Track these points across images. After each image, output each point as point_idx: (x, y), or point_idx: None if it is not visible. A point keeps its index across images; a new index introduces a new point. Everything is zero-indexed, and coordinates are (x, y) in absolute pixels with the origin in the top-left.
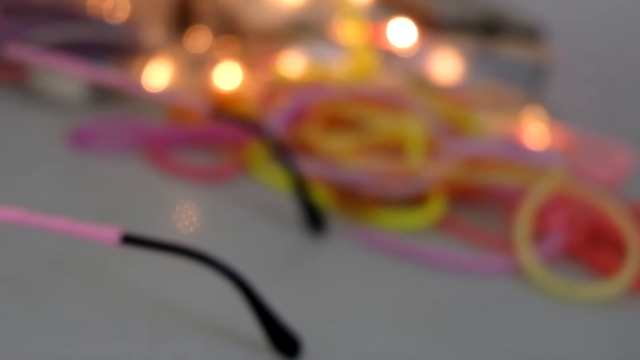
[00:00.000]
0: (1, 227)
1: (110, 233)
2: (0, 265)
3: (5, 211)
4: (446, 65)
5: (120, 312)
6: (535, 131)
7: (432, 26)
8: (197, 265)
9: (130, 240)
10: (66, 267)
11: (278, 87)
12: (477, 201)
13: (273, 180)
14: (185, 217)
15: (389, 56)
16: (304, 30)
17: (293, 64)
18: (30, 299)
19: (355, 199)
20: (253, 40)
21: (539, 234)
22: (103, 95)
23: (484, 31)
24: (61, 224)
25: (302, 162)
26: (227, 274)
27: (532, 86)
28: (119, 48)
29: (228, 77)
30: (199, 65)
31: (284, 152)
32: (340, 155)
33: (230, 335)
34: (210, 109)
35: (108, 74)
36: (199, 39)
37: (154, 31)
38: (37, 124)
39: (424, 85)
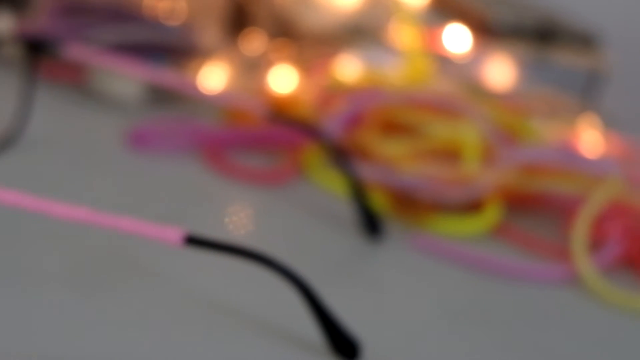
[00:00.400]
0: (63, 225)
1: (174, 234)
2: (63, 263)
3: (72, 210)
4: (501, 72)
5: (179, 312)
6: (590, 139)
7: (487, 32)
8: (257, 267)
9: (193, 241)
10: (125, 266)
11: (334, 91)
12: (533, 208)
13: (330, 184)
14: (241, 219)
15: (443, 62)
16: (359, 34)
17: (348, 68)
18: (91, 296)
19: (412, 204)
20: (308, 44)
21: (596, 242)
22: (160, 96)
23: (539, 38)
24: (126, 223)
25: (359, 166)
26: (290, 277)
27: (587, 94)
28: (175, 50)
29: (283, 80)
30: (254, 68)
31: (341, 155)
32: (396, 160)
33: (289, 337)
34: (268, 111)
35: (166, 75)
36: (254, 42)
37: (210, 33)
38: (95, 124)
39: (478, 91)
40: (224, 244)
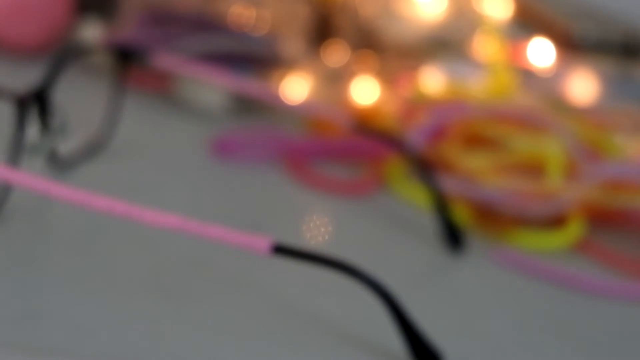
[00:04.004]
0: (145, 231)
1: (262, 242)
2: (148, 269)
3: (162, 217)
4: (584, 87)
5: (262, 319)
6: None
7: (572, 46)
8: (340, 276)
9: (280, 250)
10: (208, 273)
11: (417, 104)
12: (616, 225)
13: (412, 196)
14: (322, 229)
15: (527, 75)
16: (443, 47)
17: (432, 80)
18: (175, 302)
19: (494, 217)
20: (391, 56)
21: None
22: (244, 105)
23: (623, 53)
24: (215, 231)
25: (441, 178)
26: (376, 288)
27: None
28: (259, 60)
29: (365, 91)
30: (337, 79)
31: (424, 168)
32: (479, 174)
33: (371, 347)
34: (351, 122)
35: (250, 85)
36: (337, 53)
37: (293, 44)
38: (180, 132)
39: (561, 105)
40: (311, 253)
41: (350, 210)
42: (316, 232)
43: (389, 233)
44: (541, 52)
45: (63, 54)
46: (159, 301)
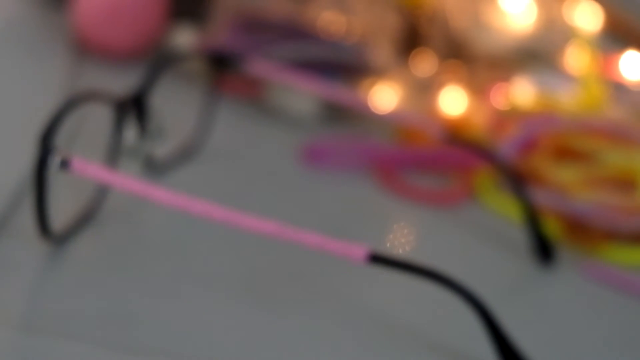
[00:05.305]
0: (238, 236)
1: (358, 251)
2: (239, 272)
3: (261, 223)
4: None
5: (352, 327)
6: None
7: None
8: (433, 287)
9: (376, 259)
10: (298, 279)
11: (507, 115)
12: None
13: (501, 208)
14: (410, 238)
15: (618, 88)
16: (533, 58)
17: (522, 92)
18: (265, 307)
19: (584, 231)
20: (480, 66)
21: None
22: (335, 113)
23: None
24: (311, 238)
25: (532, 191)
26: (471, 300)
27: None
28: (349, 68)
29: (454, 102)
30: (425, 89)
31: (514, 179)
32: (570, 187)
33: (463, 358)
34: (442, 132)
35: (341, 93)
36: (426, 63)
37: (383, 52)
38: (271, 139)
39: None
40: (407, 263)
41: (439, 221)
42: (404, 242)
43: (478, 244)
44: (633, 65)
45: (160, 60)
46: (251, 306)
